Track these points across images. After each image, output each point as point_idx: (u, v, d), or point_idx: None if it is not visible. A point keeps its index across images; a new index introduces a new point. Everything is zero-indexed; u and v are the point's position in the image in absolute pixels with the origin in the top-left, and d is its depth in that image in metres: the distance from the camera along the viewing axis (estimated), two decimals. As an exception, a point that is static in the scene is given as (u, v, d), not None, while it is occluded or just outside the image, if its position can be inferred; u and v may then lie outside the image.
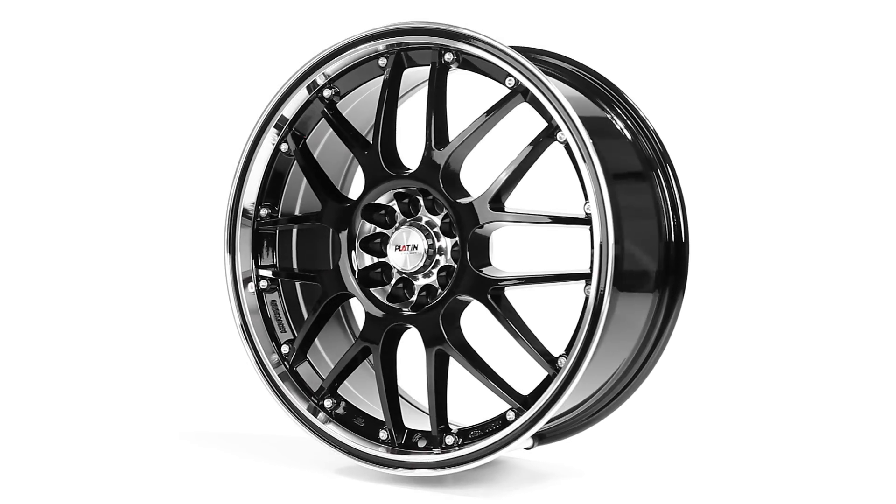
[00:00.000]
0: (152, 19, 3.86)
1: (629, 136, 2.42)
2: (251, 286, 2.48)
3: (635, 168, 2.39)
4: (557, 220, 2.25)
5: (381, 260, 2.42)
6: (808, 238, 3.67)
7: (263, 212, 2.48)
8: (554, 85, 2.18)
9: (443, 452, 2.31)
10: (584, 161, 2.16)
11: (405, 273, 2.38)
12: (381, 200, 2.40)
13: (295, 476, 2.40)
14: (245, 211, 2.47)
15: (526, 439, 2.26)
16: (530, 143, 2.25)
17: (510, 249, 2.52)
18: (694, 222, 2.45)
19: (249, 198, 2.47)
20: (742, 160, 3.73)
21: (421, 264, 2.36)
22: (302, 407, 2.42)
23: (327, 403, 2.43)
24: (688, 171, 2.50)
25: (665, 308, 2.40)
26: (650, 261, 2.36)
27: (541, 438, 2.48)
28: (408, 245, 2.35)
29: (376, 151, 2.35)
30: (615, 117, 2.43)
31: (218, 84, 3.75)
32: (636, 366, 2.42)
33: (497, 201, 2.28)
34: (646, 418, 2.87)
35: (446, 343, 2.30)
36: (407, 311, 2.36)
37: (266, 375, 2.44)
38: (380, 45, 2.35)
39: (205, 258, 3.08)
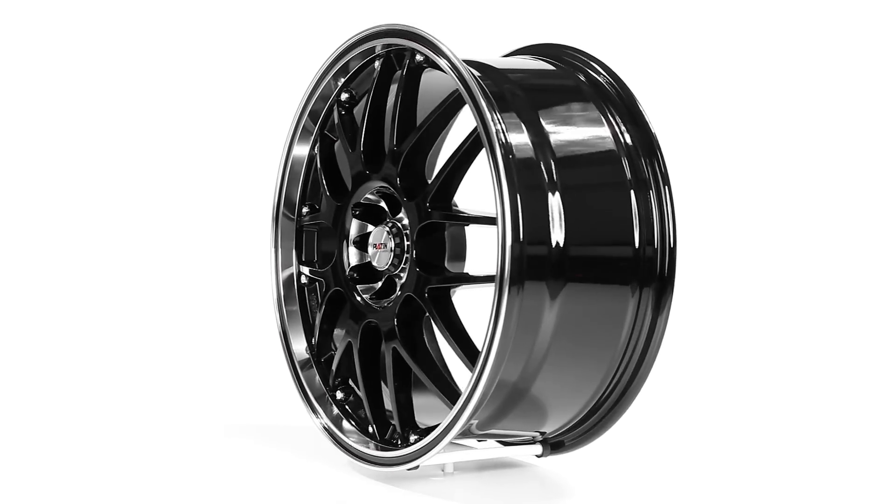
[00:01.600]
0: (194, 20, 4.00)
1: (619, 144, 2.29)
2: (293, 280, 2.61)
3: (610, 175, 2.28)
4: (479, 220, 2.22)
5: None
6: (800, 246, 3.85)
7: (305, 210, 2.61)
8: (480, 92, 2.14)
9: (395, 450, 2.33)
10: (494, 168, 2.12)
11: (383, 270, 2.42)
12: (371, 199, 2.46)
13: (305, 467, 2.50)
14: (288, 208, 2.61)
15: (443, 443, 2.23)
16: (463, 142, 2.22)
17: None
18: (693, 230, 2.29)
19: (292, 196, 2.61)
20: (747, 167, 3.89)
21: (390, 262, 2.39)
22: (313, 397, 2.52)
23: (339, 395, 2.52)
24: (692, 180, 2.35)
25: (651, 311, 2.27)
26: (617, 265, 2.24)
27: (553, 447, 2.42)
28: (381, 243, 2.40)
29: (359, 151, 2.41)
30: (617, 124, 2.31)
31: (271, 81, 3.83)
32: (628, 370, 2.30)
33: (440, 200, 2.26)
34: (653, 426, 2.83)
35: (397, 340, 2.31)
36: (374, 307, 2.40)
37: (290, 363, 2.57)
38: (377, 48, 2.41)
39: (251, 254, 3.21)
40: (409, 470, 2.32)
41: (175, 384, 3.25)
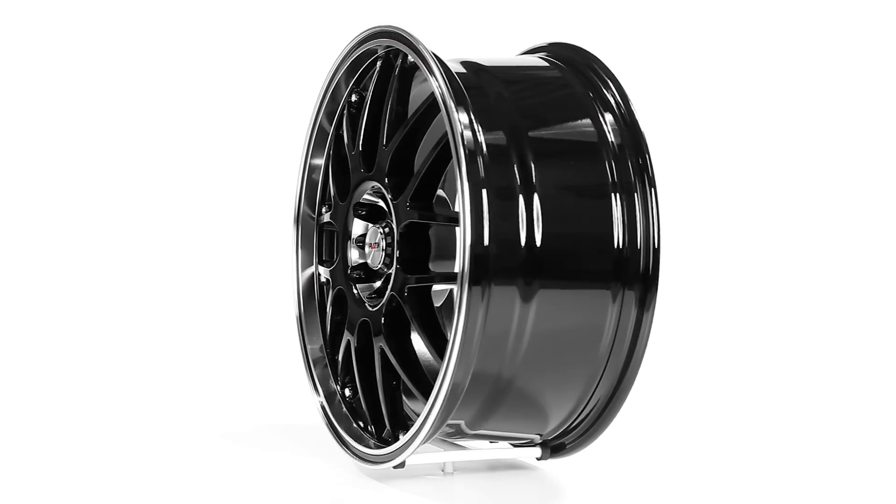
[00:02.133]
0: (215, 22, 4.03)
1: (605, 145, 2.26)
2: (312, 279, 2.64)
3: (593, 176, 2.25)
4: (453, 220, 2.21)
5: None
6: (788, 247, 3.93)
7: (324, 210, 2.64)
8: (451, 91, 2.14)
9: (381, 448, 2.34)
10: (458, 168, 2.12)
11: (378, 269, 2.44)
12: (370, 199, 2.47)
13: (305, 466, 2.53)
14: (310, 209, 2.64)
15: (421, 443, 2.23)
16: (438, 142, 2.22)
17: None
18: (679, 232, 2.25)
19: (314, 196, 2.64)
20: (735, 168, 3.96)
21: (382, 262, 2.41)
22: (323, 394, 2.55)
23: (347, 392, 2.55)
24: (680, 181, 2.31)
25: (636, 309, 2.24)
26: (596, 266, 2.22)
27: (553, 450, 2.40)
28: (374, 243, 2.42)
29: (358, 151, 2.44)
30: (606, 124, 2.27)
31: (299, 79, 3.75)
32: (616, 369, 2.28)
33: (419, 199, 2.26)
34: (653, 427, 2.83)
35: (382, 338, 2.33)
36: (368, 305, 2.42)
37: (306, 359, 2.61)
38: (379, 49, 2.43)
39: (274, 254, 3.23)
40: (394, 468, 2.33)
41: (182, 383, 3.30)
